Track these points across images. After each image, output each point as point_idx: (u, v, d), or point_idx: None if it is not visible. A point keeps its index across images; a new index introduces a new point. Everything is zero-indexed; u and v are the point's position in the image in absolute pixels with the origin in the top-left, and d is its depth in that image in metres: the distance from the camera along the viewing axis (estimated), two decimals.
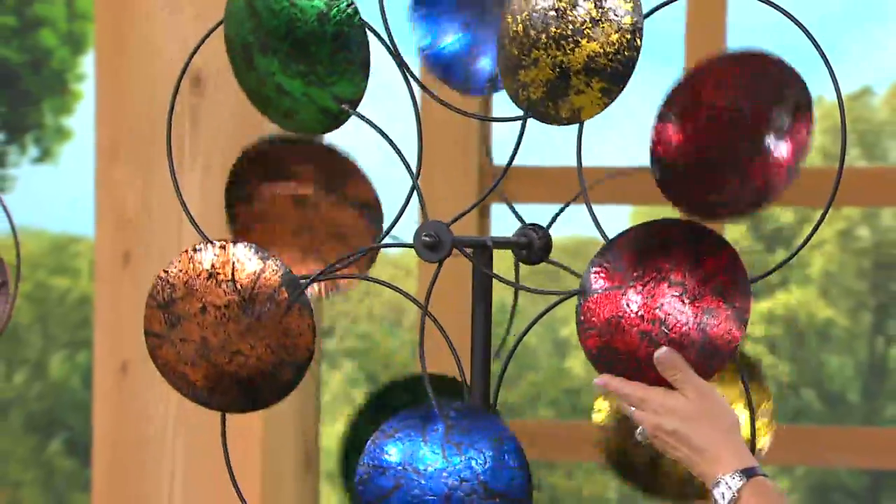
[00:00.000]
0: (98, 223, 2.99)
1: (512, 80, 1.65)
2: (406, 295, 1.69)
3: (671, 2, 1.63)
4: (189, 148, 2.93)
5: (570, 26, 1.59)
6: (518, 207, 1.78)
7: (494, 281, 1.67)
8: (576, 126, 1.65)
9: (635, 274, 1.63)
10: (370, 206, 1.83)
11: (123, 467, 2.96)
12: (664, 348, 1.64)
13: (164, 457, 2.95)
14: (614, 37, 1.58)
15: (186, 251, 1.70)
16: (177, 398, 3.07)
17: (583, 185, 1.64)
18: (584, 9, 1.59)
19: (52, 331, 13.96)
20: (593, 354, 1.65)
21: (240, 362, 1.69)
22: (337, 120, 1.72)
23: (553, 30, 1.60)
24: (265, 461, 2.92)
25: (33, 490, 13.18)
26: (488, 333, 1.63)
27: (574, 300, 1.65)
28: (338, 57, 1.68)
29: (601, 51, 1.59)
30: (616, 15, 1.58)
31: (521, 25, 1.62)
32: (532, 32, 1.61)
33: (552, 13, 1.60)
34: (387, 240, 1.71)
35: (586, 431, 1.87)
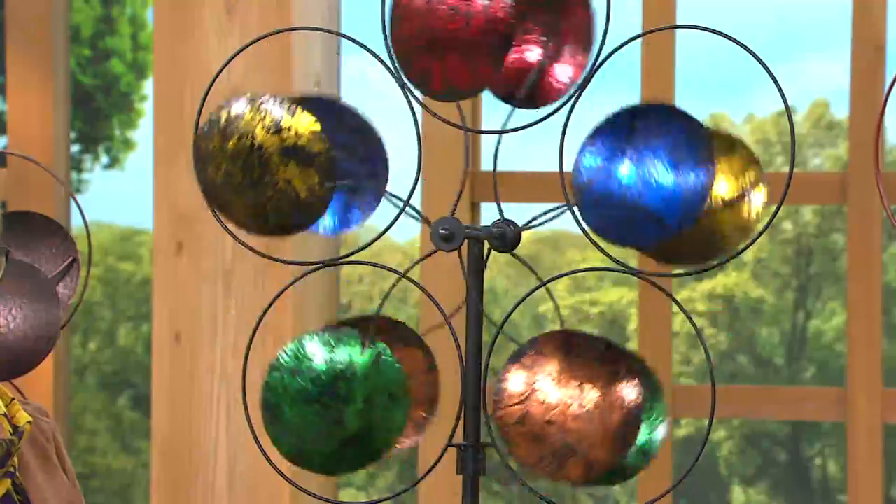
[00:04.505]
0: (156, 218, 2.97)
1: None
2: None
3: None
4: None
5: None
6: (502, 205, 1.74)
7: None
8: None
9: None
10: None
11: (177, 418, 2.95)
12: None
13: (211, 409, 2.94)
14: None
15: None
16: (220, 362, 3.07)
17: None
18: None
19: (120, 306, 13.95)
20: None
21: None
22: None
23: None
24: None
25: (105, 437, 13.18)
26: (480, 309, 1.61)
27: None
28: None
29: None
30: None
31: None
32: None
33: None
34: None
35: None
